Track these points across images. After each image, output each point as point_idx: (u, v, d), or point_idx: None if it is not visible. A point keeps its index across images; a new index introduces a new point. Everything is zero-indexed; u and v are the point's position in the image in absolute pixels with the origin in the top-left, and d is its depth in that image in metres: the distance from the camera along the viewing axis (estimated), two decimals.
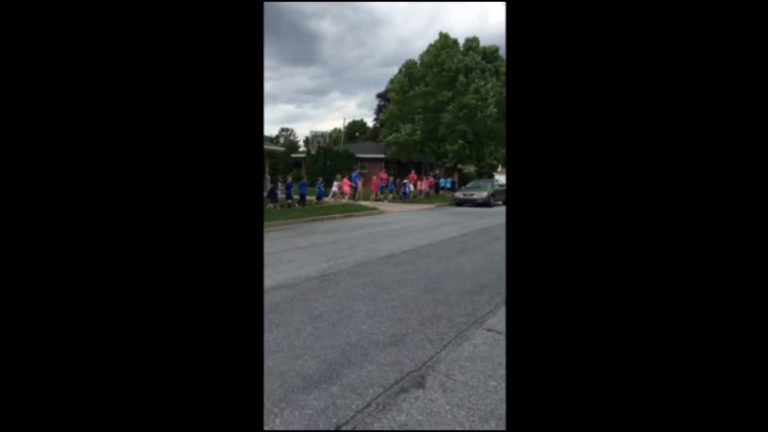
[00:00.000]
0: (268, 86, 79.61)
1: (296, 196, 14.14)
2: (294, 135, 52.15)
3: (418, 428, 2.07)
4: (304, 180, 15.13)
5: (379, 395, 2.36)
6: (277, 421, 2.11)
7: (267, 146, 22.98)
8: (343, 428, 2.07)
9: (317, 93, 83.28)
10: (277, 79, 79.50)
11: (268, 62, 76.52)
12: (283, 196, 13.76)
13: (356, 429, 2.06)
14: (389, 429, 2.07)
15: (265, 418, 2.13)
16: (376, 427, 2.08)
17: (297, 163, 29.27)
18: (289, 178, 15.28)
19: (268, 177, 15.39)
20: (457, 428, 2.07)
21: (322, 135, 20.50)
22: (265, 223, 9.74)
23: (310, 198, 14.95)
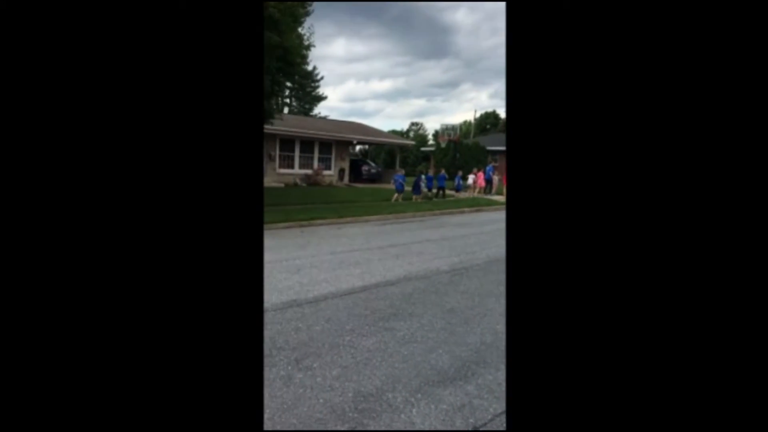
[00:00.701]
0: (400, 82, 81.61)
1: (435, 190, 14.45)
2: (423, 129, 52.91)
3: None
4: (443, 173, 15.32)
5: None
6: (414, 411, 2.15)
7: (398, 140, 23.78)
8: (481, 429, 2.00)
9: (448, 86, 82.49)
10: (409, 74, 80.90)
11: (402, 59, 78.23)
12: (426, 189, 14.14)
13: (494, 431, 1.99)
14: None
15: (401, 406, 2.18)
16: None
17: (426, 156, 29.66)
18: (431, 172, 15.74)
19: (401, 170, 15.99)
20: None
21: (452, 128, 20.34)
22: (395, 215, 10.08)
23: (449, 192, 15.10)
